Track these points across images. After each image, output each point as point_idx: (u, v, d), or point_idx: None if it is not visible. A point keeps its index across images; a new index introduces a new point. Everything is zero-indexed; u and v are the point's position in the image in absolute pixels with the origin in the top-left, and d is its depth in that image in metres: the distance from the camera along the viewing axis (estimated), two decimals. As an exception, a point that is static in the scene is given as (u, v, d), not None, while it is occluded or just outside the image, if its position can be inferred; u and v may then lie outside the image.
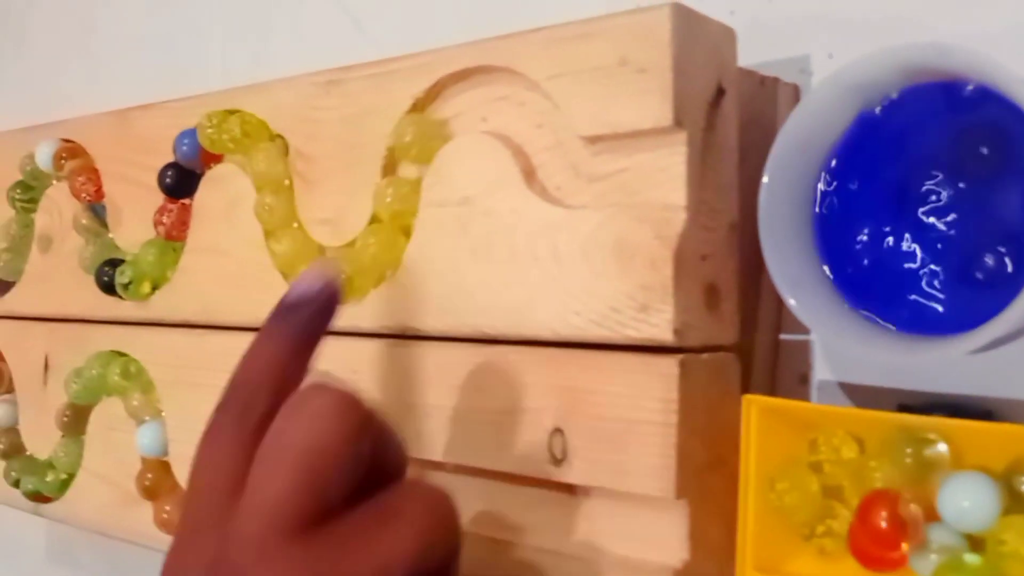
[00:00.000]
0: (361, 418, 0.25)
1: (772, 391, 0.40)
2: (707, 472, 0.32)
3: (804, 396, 0.39)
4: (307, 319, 0.30)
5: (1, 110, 0.92)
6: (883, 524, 0.29)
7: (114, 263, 0.49)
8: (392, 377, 0.39)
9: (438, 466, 0.38)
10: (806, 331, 0.39)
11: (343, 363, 0.41)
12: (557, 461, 0.34)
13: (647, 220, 0.32)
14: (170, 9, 0.75)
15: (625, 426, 0.32)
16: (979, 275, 0.31)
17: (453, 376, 0.37)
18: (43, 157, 0.53)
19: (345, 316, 0.41)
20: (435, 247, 0.37)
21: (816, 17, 0.40)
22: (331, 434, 0.24)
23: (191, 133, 0.45)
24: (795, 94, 0.40)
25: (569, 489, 0.35)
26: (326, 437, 0.24)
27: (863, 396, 0.38)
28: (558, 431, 0.34)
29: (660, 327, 0.31)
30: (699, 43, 0.32)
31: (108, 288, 0.49)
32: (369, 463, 0.26)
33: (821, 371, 0.39)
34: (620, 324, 0.32)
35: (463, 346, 0.37)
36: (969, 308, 0.31)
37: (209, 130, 0.43)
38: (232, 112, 0.44)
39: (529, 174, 0.35)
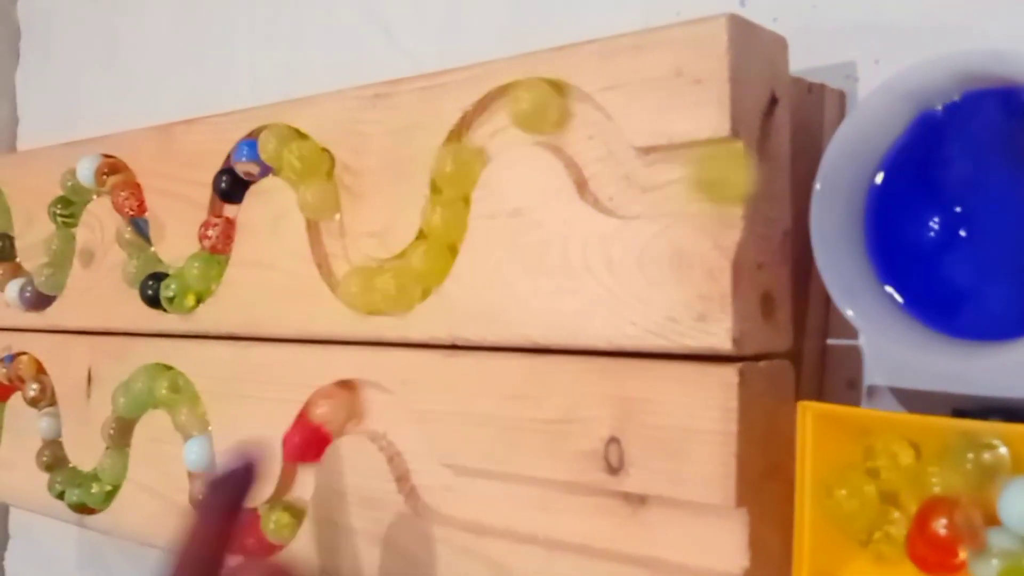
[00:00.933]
0: None
1: (819, 397, 0.40)
2: (765, 480, 0.33)
3: (853, 401, 0.39)
4: (231, 494, 0.36)
5: (26, 125, 0.93)
6: (942, 531, 0.29)
7: (158, 276, 0.50)
8: (443, 387, 0.39)
9: (490, 474, 0.38)
10: (854, 336, 0.39)
11: (394, 374, 0.41)
12: (613, 470, 0.34)
13: (704, 230, 0.32)
14: (197, 22, 0.75)
15: (683, 435, 0.32)
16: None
17: (506, 386, 0.37)
18: (84, 172, 0.54)
19: (395, 327, 0.41)
20: (485, 258, 0.38)
21: (861, 23, 0.40)
22: None
23: (252, 144, 0.46)
24: (841, 100, 0.40)
25: (625, 498, 0.35)
26: None
27: (914, 401, 0.38)
28: (614, 440, 0.34)
29: (719, 336, 0.31)
30: (754, 53, 0.33)
31: (152, 301, 0.50)
32: None
33: (870, 376, 0.39)
34: (677, 334, 0.32)
35: (515, 356, 0.37)
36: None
37: (271, 146, 0.43)
38: (294, 134, 0.45)
39: (581, 185, 0.36)
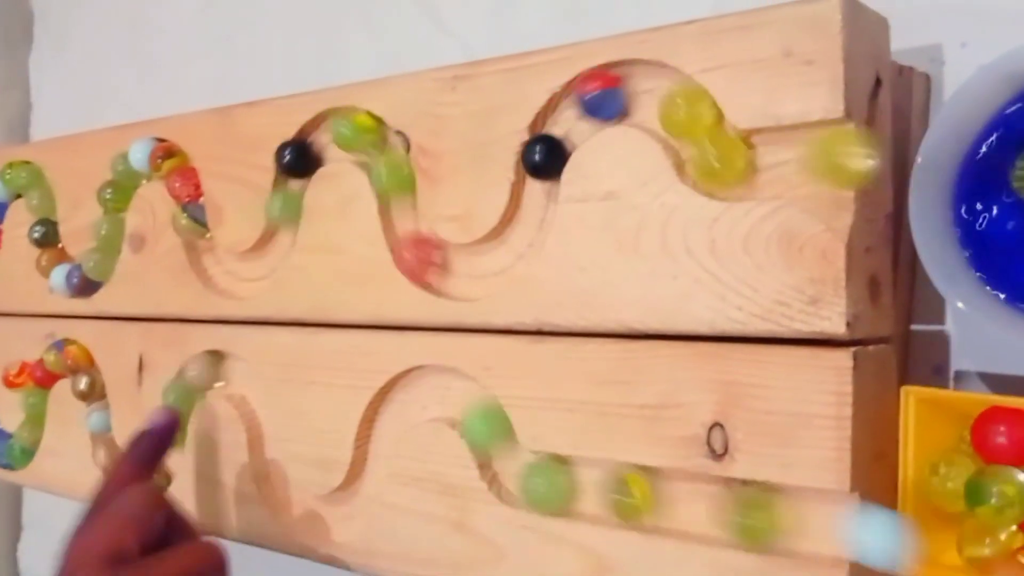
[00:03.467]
0: (156, 501, 0.42)
1: (905, 382, 0.40)
2: (873, 464, 0.32)
3: (940, 387, 0.39)
4: (149, 447, 0.46)
5: (40, 113, 0.91)
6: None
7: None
8: (529, 373, 0.39)
9: (582, 461, 0.38)
10: (939, 322, 0.39)
11: (475, 360, 0.41)
12: (717, 456, 0.34)
13: (816, 212, 0.32)
14: (226, 4, 0.74)
15: (794, 419, 0.32)
16: None
17: (597, 371, 0.37)
18: (138, 157, 0.53)
19: (474, 312, 0.41)
20: (576, 242, 0.37)
21: (948, 6, 0.39)
22: (133, 508, 0.41)
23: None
24: (927, 84, 0.39)
25: (726, 483, 0.35)
26: (129, 510, 0.40)
27: (1005, 385, 0.38)
28: (718, 425, 0.34)
29: (832, 320, 0.31)
30: (862, 33, 0.32)
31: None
32: (161, 530, 0.41)
33: (957, 361, 0.39)
34: (787, 318, 0.32)
35: (607, 341, 0.37)
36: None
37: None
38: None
39: (680, 167, 0.35)
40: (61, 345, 0.59)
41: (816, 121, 0.32)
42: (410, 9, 0.62)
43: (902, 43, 0.40)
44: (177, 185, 0.51)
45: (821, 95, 0.31)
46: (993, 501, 0.32)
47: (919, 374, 0.40)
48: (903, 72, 0.38)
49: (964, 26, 0.39)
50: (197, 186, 0.51)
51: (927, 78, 0.40)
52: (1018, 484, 0.32)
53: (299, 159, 0.46)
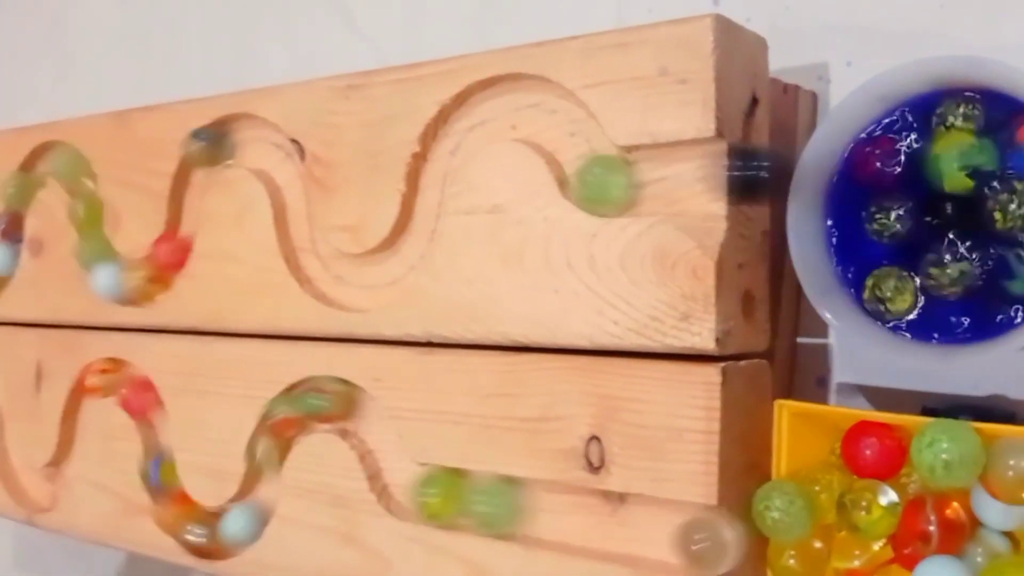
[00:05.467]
0: None
1: (790, 394, 0.40)
2: (743, 477, 0.33)
3: (822, 399, 0.40)
4: None
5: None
6: (931, 528, 0.30)
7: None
8: (418, 385, 0.39)
9: (466, 473, 0.38)
10: (823, 335, 0.40)
11: (365, 371, 0.40)
12: (594, 469, 0.34)
13: (688, 230, 0.32)
14: (145, 3, 0.73)
15: (666, 433, 0.32)
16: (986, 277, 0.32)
17: (483, 384, 0.37)
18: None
19: (365, 324, 0.40)
20: (462, 255, 0.37)
21: (834, 25, 0.40)
22: None
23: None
24: (814, 102, 0.40)
25: (605, 496, 0.35)
26: None
27: (883, 398, 0.39)
28: (595, 439, 0.34)
29: (702, 336, 0.31)
30: (737, 53, 0.33)
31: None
32: None
33: (839, 374, 0.40)
34: (660, 333, 0.32)
35: (493, 354, 0.37)
36: (985, 313, 0.32)
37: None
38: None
39: (563, 182, 0.35)
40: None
41: (689, 139, 0.32)
42: (325, 13, 0.62)
43: (790, 61, 0.41)
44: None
45: (694, 114, 0.32)
46: (862, 515, 0.33)
47: (804, 386, 0.40)
48: (788, 90, 0.39)
49: (849, 45, 0.40)
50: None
51: (814, 95, 0.40)
52: (885, 499, 0.33)
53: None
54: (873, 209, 0.34)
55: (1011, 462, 0.29)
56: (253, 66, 0.66)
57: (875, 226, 0.33)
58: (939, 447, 0.29)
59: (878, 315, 0.34)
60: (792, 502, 0.32)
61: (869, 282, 0.34)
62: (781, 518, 0.32)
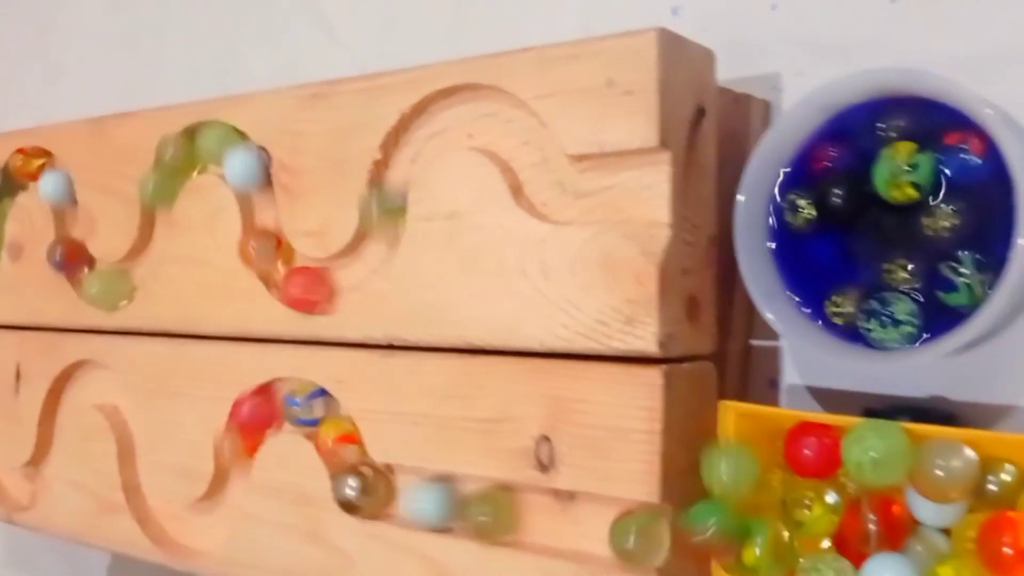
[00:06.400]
0: None
1: (744, 396, 0.41)
2: (688, 475, 0.34)
3: (773, 400, 0.41)
4: None
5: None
6: (871, 526, 0.31)
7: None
8: (379, 386, 0.40)
9: (425, 472, 0.39)
10: (775, 337, 0.41)
11: (330, 373, 0.41)
12: (544, 468, 0.35)
13: (633, 237, 0.33)
14: (131, 9, 0.74)
15: (611, 434, 0.33)
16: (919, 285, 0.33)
17: (441, 385, 0.38)
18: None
19: (331, 327, 0.41)
20: (422, 260, 0.38)
21: (787, 37, 0.41)
22: None
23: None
24: (766, 111, 0.41)
25: (555, 494, 0.36)
26: None
27: (829, 400, 0.40)
28: (545, 439, 0.35)
29: (646, 339, 0.33)
30: (682, 66, 0.34)
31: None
32: None
33: (789, 376, 0.41)
34: (607, 336, 0.33)
35: (451, 356, 0.38)
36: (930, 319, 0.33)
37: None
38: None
39: (516, 190, 0.36)
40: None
41: (634, 149, 0.33)
42: (306, 22, 0.63)
43: (745, 72, 0.42)
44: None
45: (639, 124, 0.33)
46: (804, 513, 0.34)
47: (756, 388, 0.42)
48: (740, 99, 0.40)
49: (801, 57, 0.41)
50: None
51: (767, 104, 0.41)
52: (828, 498, 0.34)
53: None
54: (792, 196, 0.35)
55: (939, 462, 0.30)
56: (236, 73, 0.67)
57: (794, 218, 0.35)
58: (867, 445, 0.30)
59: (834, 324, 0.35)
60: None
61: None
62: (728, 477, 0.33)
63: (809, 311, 0.36)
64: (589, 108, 0.34)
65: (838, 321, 0.35)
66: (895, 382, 0.38)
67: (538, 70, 0.35)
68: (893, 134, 0.34)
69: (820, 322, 0.35)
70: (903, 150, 0.33)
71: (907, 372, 0.37)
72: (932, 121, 0.33)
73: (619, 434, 0.33)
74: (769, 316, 0.35)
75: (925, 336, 0.33)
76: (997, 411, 0.36)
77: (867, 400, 0.38)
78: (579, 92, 0.34)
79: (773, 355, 0.41)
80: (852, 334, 0.35)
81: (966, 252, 0.32)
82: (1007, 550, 0.28)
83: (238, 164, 0.43)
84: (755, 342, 0.42)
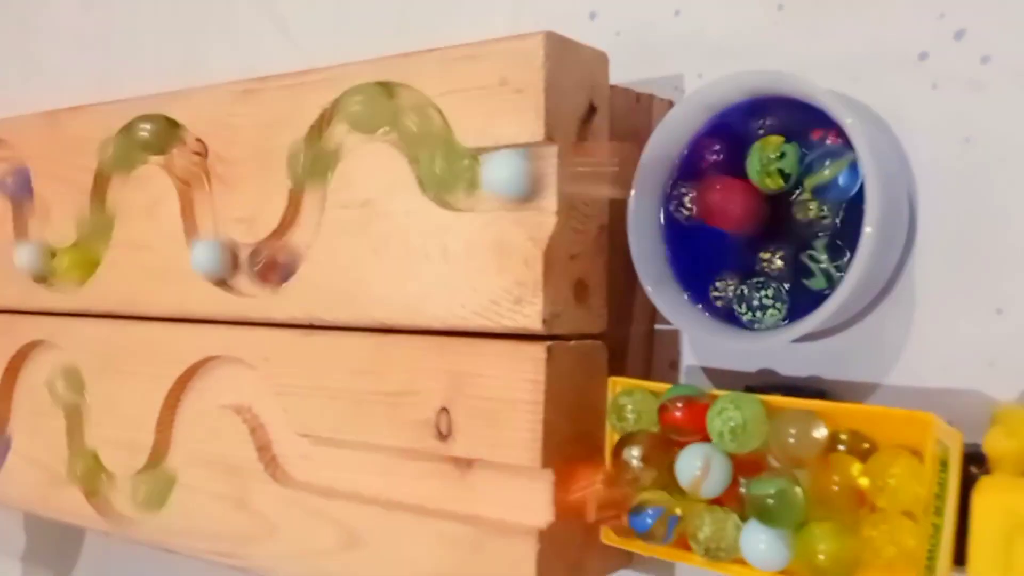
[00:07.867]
0: None
1: (647, 376, 0.44)
2: (572, 445, 0.37)
3: (673, 380, 0.44)
4: None
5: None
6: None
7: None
8: (301, 363, 0.43)
9: (341, 443, 0.42)
10: (676, 322, 0.44)
11: (257, 351, 0.44)
12: (443, 437, 0.38)
13: (522, 223, 0.36)
14: (104, 4, 0.77)
15: (502, 405, 0.36)
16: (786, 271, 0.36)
17: (355, 362, 0.41)
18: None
19: (259, 308, 0.44)
20: (340, 245, 0.41)
21: (689, 41, 0.44)
22: None
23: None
24: (668, 109, 0.44)
25: (454, 462, 0.39)
26: None
27: (720, 379, 0.43)
28: (444, 410, 0.38)
29: (531, 317, 0.35)
30: (571, 66, 0.37)
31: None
32: None
33: (688, 358, 0.44)
34: (498, 315, 0.36)
35: (364, 335, 0.41)
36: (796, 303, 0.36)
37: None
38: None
39: (422, 180, 0.39)
40: None
41: (524, 143, 0.36)
42: (263, 21, 0.66)
43: (651, 73, 0.45)
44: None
45: (528, 120, 0.36)
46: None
47: (660, 368, 0.44)
48: (640, 98, 0.43)
49: (701, 59, 0.44)
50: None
51: (670, 103, 0.44)
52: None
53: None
54: (680, 189, 0.38)
55: (791, 430, 0.33)
56: (199, 69, 0.70)
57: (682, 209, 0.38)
58: (727, 415, 0.33)
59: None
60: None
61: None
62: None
63: (694, 295, 0.39)
64: (485, 105, 0.37)
65: (719, 304, 0.38)
66: (779, 363, 0.41)
67: (441, 69, 0.38)
68: (763, 132, 0.37)
69: (701, 306, 0.38)
70: (772, 142, 0.36)
71: (789, 353, 0.40)
72: (800, 119, 0.36)
73: (509, 405, 0.36)
74: (653, 297, 0.38)
75: (788, 319, 0.36)
76: (865, 388, 0.39)
77: (751, 379, 0.41)
78: (476, 90, 0.37)
79: (674, 338, 0.44)
80: (731, 317, 0.38)
81: (819, 240, 0.35)
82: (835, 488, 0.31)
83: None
84: (659, 327, 0.44)
